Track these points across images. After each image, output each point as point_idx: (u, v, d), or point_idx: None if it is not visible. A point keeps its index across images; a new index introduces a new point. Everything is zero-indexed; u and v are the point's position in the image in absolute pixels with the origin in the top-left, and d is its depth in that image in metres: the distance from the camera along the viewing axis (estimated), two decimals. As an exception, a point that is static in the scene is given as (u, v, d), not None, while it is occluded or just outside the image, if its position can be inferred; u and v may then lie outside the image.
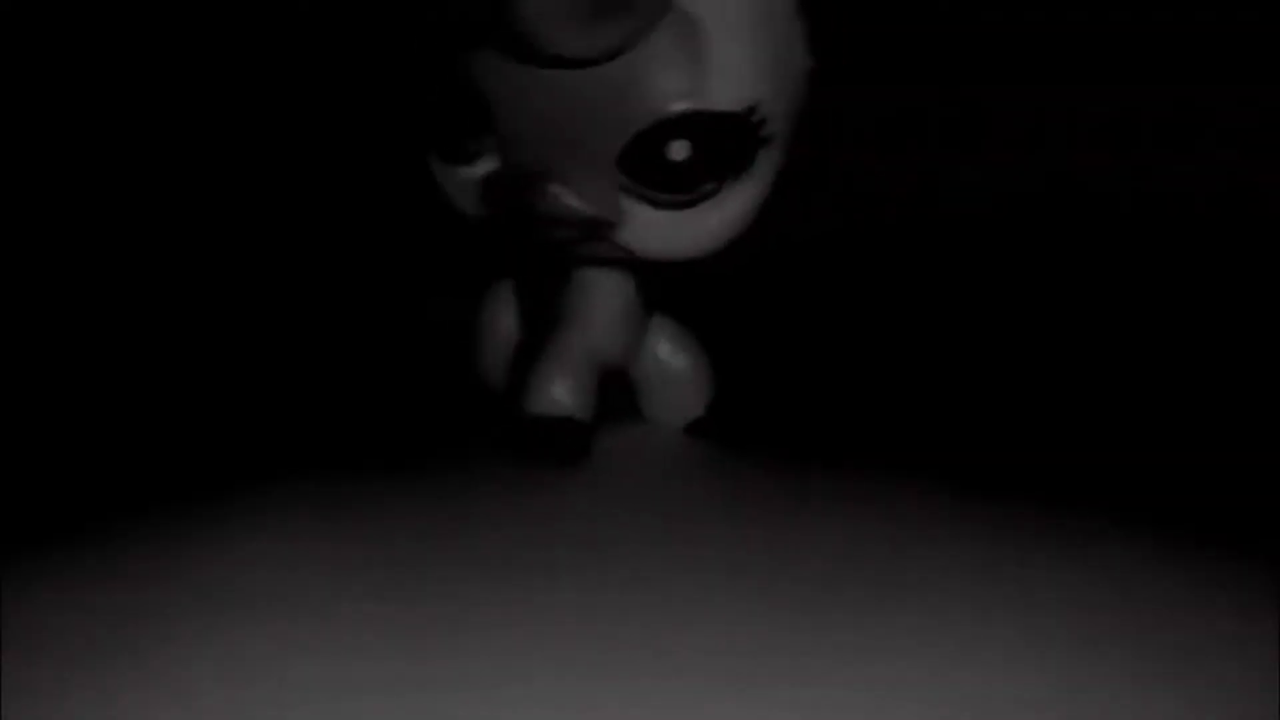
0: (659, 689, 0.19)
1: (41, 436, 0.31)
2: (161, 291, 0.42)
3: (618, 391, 0.32)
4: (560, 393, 0.29)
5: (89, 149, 0.44)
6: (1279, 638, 0.21)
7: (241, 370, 0.37)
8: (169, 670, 0.20)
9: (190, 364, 0.37)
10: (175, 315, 0.41)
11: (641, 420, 0.32)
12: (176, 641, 0.21)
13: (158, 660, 0.20)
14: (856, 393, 0.35)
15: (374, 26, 0.41)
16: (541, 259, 0.30)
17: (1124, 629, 0.22)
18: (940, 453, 0.30)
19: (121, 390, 0.35)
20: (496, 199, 0.27)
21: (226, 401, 0.34)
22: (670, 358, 0.32)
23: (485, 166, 0.27)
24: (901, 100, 0.47)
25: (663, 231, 0.26)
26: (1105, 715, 0.19)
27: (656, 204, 0.26)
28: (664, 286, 0.32)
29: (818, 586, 0.23)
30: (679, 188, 0.25)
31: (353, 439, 0.31)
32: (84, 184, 0.44)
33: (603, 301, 0.30)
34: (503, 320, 0.33)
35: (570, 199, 0.25)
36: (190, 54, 0.44)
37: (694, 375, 0.32)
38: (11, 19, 0.42)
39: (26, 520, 0.25)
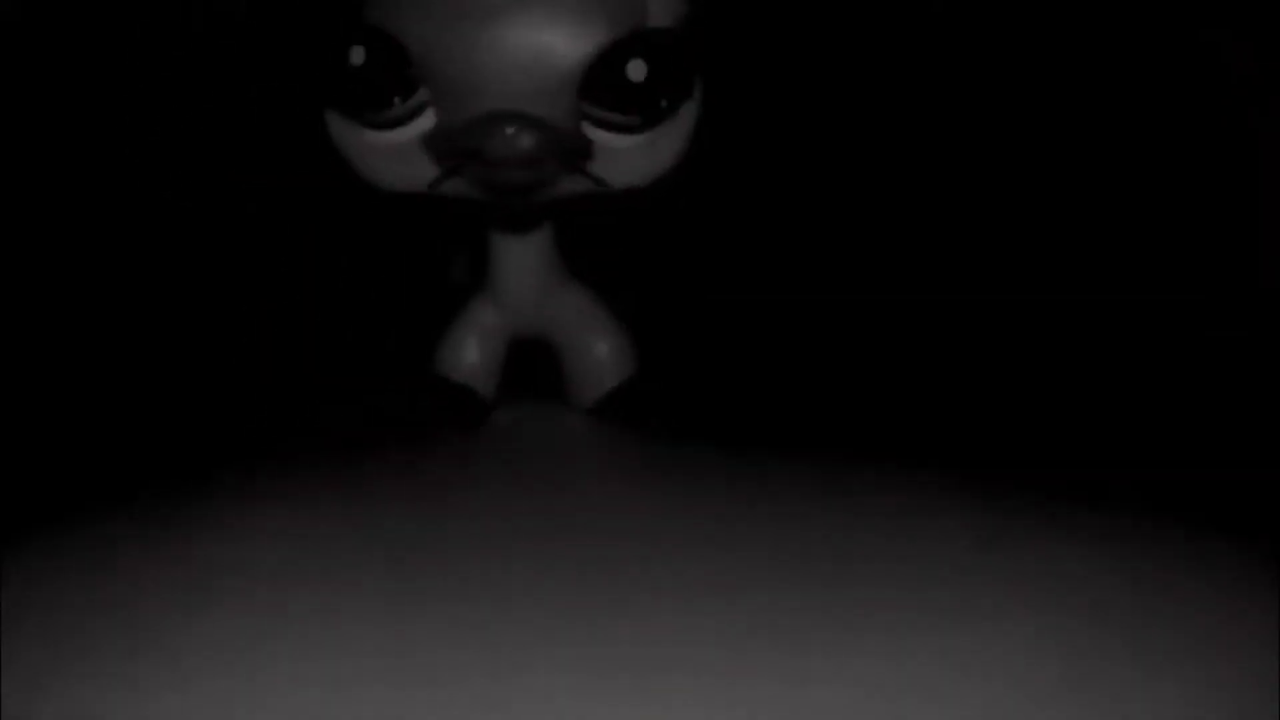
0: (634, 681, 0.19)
1: (37, 428, 0.31)
2: (141, 277, 0.42)
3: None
4: (461, 359, 0.30)
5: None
6: (1279, 637, 0.21)
7: (222, 353, 0.37)
8: (165, 659, 0.20)
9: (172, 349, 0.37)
10: (154, 300, 0.41)
11: (554, 395, 0.31)
12: (173, 630, 0.21)
13: (154, 650, 0.20)
14: (799, 377, 0.34)
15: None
16: (464, 225, 0.29)
17: (1124, 624, 0.21)
18: (904, 443, 0.30)
19: (110, 379, 0.35)
20: (446, 154, 0.26)
21: (212, 386, 0.34)
22: (582, 331, 0.30)
23: (421, 126, 0.26)
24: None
25: (629, 157, 0.27)
26: (1105, 711, 0.19)
27: (621, 129, 0.26)
28: (586, 255, 0.31)
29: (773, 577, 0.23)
30: (643, 108, 0.26)
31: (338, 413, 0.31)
32: (73, 180, 0.44)
33: (516, 269, 0.30)
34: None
35: (529, 138, 0.25)
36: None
37: (606, 353, 0.30)
38: (11, 18, 0.42)
39: (23, 512, 0.25)
